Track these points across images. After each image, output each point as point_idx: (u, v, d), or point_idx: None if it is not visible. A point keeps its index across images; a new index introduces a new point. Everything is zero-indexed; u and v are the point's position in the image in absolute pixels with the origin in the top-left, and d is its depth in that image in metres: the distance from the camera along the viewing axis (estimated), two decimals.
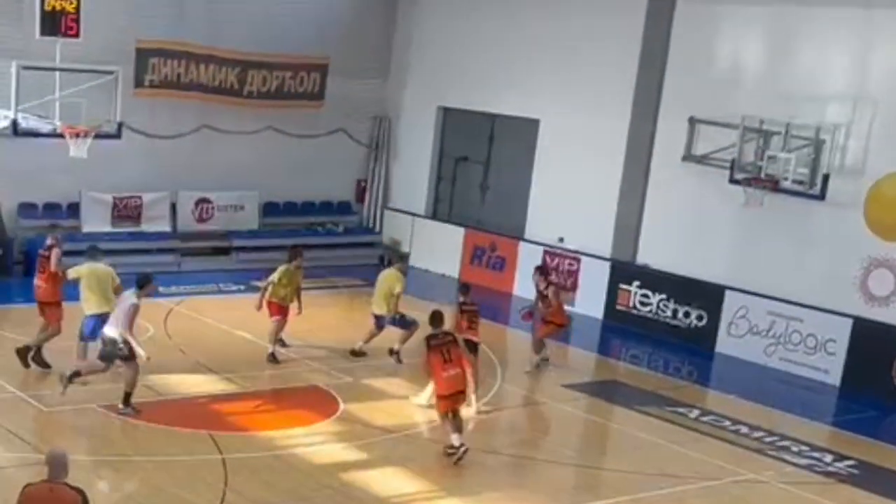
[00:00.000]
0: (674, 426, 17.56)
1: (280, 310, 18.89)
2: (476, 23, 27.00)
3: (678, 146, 23.16)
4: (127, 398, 15.83)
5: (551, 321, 19.82)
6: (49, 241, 17.89)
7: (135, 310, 15.69)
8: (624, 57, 23.95)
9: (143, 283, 15.99)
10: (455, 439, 15.03)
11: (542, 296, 19.81)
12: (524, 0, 26.10)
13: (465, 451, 14.99)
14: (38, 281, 17.64)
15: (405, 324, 19.31)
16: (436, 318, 15.67)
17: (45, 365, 17.33)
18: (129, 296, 15.87)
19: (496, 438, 16.46)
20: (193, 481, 13.91)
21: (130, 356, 15.70)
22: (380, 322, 19.52)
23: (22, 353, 17.33)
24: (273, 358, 18.71)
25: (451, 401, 15.14)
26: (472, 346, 17.11)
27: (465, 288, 18.25)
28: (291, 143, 27.34)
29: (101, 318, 16.39)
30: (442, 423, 15.34)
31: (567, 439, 17.12)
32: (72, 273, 17.07)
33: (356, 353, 19.48)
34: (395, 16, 28.76)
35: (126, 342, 15.63)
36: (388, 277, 19.53)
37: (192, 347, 19.26)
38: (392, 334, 19.45)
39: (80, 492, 9.03)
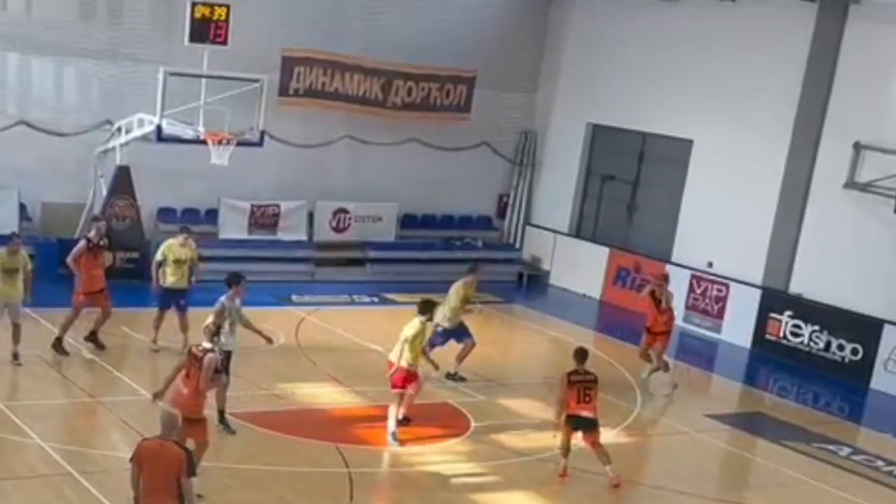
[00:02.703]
0: (822, 464, 16.82)
1: (409, 379, 15.88)
2: (629, 38, 26.44)
3: (840, 172, 22.23)
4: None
5: (665, 330, 19.42)
6: (91, 234, 18.44)
7: (220, 309, 15.44)
8: (786, 77, 23.15)
9: (233, 282, 15.77)
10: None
11: (657, 302, 19.38)
12: (681, 16, 25.46)
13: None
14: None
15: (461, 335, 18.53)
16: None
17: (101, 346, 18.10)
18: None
19: (634, 467, 15.76)
20: (317, 493, 13.72)
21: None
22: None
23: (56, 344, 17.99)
24: (394, 441, 15.88)
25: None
26: (590, 423, 14.82)
27: (581, 355, 15.08)
28: (434, 156, 27.10)
29: None
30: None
31: (708, 471, 16.51)
32: None
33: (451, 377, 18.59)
34: (546, 29, 28.37)
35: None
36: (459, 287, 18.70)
37: (322, 358, 19.06)
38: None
39: (186, 450, 10.13)
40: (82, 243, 18.14)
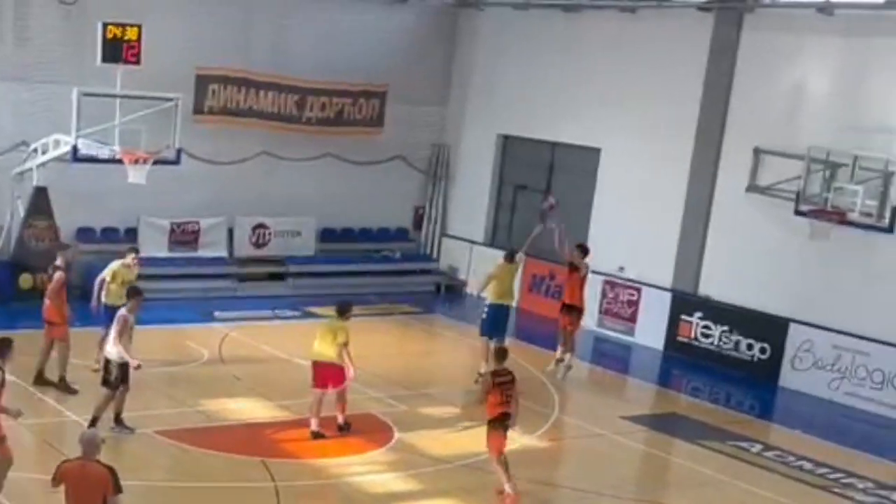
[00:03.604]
0: (736, 461, 17.20)
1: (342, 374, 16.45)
2: (536, 50, 26.85)
3: (742, 177, 22.77)
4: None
5: (576, 306, 20.43)
6: (58, 262, 18.02)
7: (123, 321, 15.65)
8: (688, 85, 23.66)
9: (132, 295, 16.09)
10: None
11: (574, 267, 20.53)
12: (585, 28, 25.95)
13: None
14: (46, 299, 17.87)
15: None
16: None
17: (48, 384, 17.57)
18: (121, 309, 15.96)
19: (554, 470, 16.13)
20: None
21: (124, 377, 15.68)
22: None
23: (60, 383, 17.60)
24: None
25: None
26: (504, 420, 14.60)
27: (501, 354, 15.08)
28: (350, 170, 27.30)
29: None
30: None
31: (627, 473, 16.80)
32: None
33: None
34: (455, 43, 28.70)
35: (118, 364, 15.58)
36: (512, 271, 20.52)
37: (246, 373, 19.14)
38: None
39: (110, 469, 9.96)
40: (61, 274, 17.79)
